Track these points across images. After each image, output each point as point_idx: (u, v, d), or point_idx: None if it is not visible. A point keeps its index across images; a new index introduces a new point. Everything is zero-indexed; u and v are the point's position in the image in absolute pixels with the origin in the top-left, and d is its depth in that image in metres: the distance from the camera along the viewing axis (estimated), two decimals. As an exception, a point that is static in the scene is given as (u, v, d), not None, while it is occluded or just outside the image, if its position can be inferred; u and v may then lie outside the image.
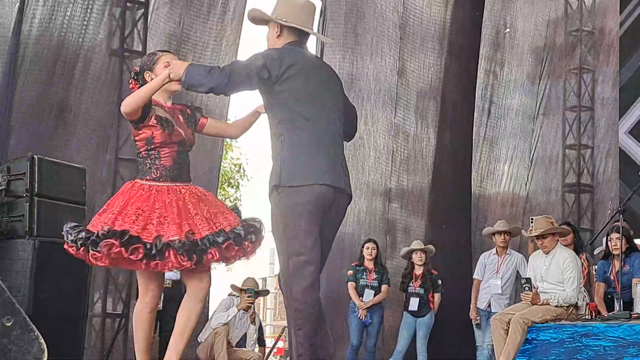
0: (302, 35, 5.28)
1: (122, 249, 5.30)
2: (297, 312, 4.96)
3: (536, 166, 15.18)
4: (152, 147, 5.67)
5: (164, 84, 5.48)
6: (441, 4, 14.13)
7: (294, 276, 4.96)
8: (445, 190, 13.69)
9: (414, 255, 11.60)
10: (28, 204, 9.08)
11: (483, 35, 14.40)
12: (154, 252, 5.36)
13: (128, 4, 11.85)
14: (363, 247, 11.75)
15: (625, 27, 13.51)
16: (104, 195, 11.03)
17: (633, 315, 8.59)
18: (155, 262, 5.41)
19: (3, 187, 9.28)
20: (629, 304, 9.16)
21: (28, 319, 1.88)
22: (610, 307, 9.76)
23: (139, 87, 5.74)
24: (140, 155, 5.75)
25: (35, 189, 9.09)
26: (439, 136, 13.88)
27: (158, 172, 5.66)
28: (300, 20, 5.21)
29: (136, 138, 5.75)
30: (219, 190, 23.73)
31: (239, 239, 5.58)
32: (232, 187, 26.97)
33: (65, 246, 5.54)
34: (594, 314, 9.37)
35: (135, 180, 5.73)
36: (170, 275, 10.11)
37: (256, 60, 5.04)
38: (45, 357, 1.90)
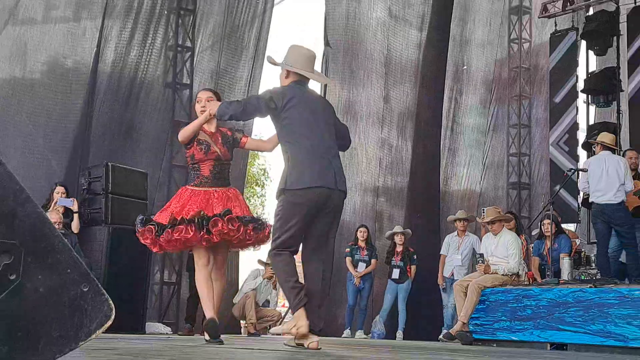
0: (304, 76, 5.35)
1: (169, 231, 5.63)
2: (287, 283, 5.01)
3: (487, 169, 15.19)
4: (195, 161, 5.88)
5: (207, 120, 5.77)
6: (415, 48, 14.11)
7: (278, 255, 5.03)
8: (420, 187, 13.69)
9: (395, 237, 11.63)
10: (104, 199, 9.12)
11: (447, 71, 14.41)
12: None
13: (179, 48, 11.86)
14: (357, 230, 11.78)
15: (553, 64, 13.49)
16: (160, 193, 11.05)
17: (561, 282, 8.58)
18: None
19: (85, 187, 9.32)
20: (557, 273, 9.15)
21: (100, 285, 1.87)
22: (543, 275, 9.75)
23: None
24: (189, 167, 6.02)
25: (110, 188, 9.14)
26: (414, 147, 13.88)
27: (198, 179, 5.86)
28: (302, 66, 5.29)
29: (186, 155, 6.01)
30: (249, 189, 24.02)
31: (243, 219, 5.73)
32: (259, 186, 27.24)
33: (137, 234, 5.72)
34: (531, 280, 9.37)
35: (186, 186, 5.97)
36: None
37: (265, 94, 5.18)
38: (113, 314, 1.88)
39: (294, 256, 5.10)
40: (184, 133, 5.84)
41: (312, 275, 5.06)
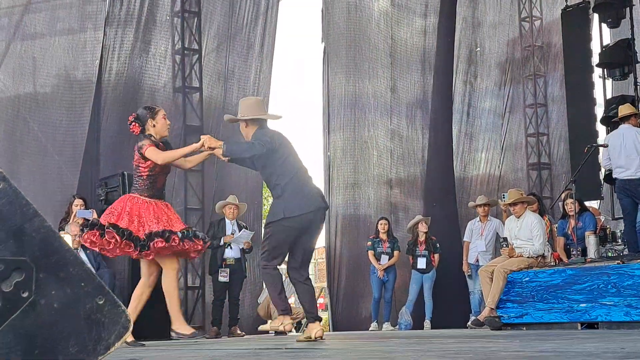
0: (262, 121, 5.99)
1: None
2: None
3: (506, 152, 15.08)
4: (153, 173, 6.17)
5: (193, 151, 6.14)
6: (420, 35, 14.01)
7: (267, 270, 5.86)
8: (435, 176, 13.64)
9: (419, 225, 11.61)
10: (122, 209, 9.12)
11: (460, 55, 14.33)
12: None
13: (185, 52, 11.77)
14: (378, 223, 11.78)
15: (566, 40, 13.37)
16: (177, 198, 11.03)
17: (587, 260, 8.53)
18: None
19: (103, 197, 9.34)
20: (583, 252, 9.09)
21: (116, 297, 1.86)
22: (569, 255, 9.68)
23: (138, 127, 6.29)
24: (141, 177, 6.20)
25: (126, 197, 9.13)
26: (427, 136, 13.83)
27: (152, 191, 6.19)
28: (254, 112, 5.92)
29: (141, 165, 6.19)
30: (265, 189, 23.88)
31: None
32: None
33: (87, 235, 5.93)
34: (557, 261, 9.32)
35: (136, 195, 6.19)
36: (232, 254, 10.10)
37: (265, 137, 5.80)
38: (131, 326, 1.86)
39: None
40: (166, 158, 6.11)
41: (304, 295, 5.96)
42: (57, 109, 10.52)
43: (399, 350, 4.04)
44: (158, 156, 6.08)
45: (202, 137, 6.02)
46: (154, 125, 6.18)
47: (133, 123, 6.28)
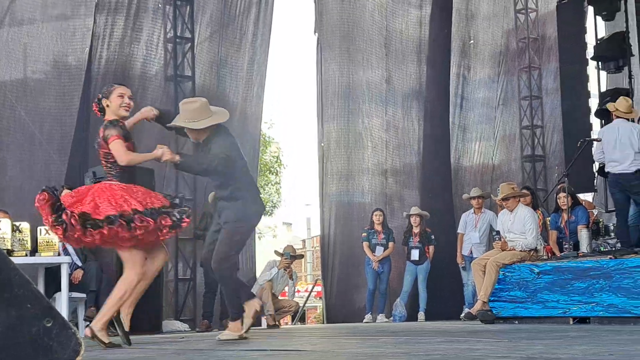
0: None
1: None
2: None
3: (499, 144, 14.98)
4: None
5: (153, 159, 5.77)
6: (416, 26, 13.87)
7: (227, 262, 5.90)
8: (429, 167, 13.55)
9: (410, 218, 11.58)
10: (110, 199, 8.95)
11: (453, 47, 14.17)
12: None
13: (177, 40, 11.59)
14: (372, 214, 11.71)
15: (561, 32, 13.22)
16: (168, 188, 10.85)
17: (580, 254, 8.44)
18: None
19: (91, 187, 9.17)
20: (576, 246, 8.99)
21: (66, 319, 1.71)
22: (562, 249, 9.59)
23: (99, 109, 5.79)
24: (121, 166, 5.57)
25: (116, 188, 8.96)
26: (422, 127, 13.71)
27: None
28: (202, 116, 5.68)
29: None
30: (262, 177, 23.77)
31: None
32: (272, 174, 27.04)
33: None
34: (549, 254, 9.25)
35: (116, 183, 5.55)
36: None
37: (223, 150, 5.72)
38: (83, 350, 1.72)
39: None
40: (130, 161, 5.54)
41: None
42: (46, 97, 10.35)
43: (385, 353, 3.91)
44: (122, 156, 5.48)
45: (159, 146, 5.65)
46: (108, 106, 5.63)
47: (94, 103, 5.82)
